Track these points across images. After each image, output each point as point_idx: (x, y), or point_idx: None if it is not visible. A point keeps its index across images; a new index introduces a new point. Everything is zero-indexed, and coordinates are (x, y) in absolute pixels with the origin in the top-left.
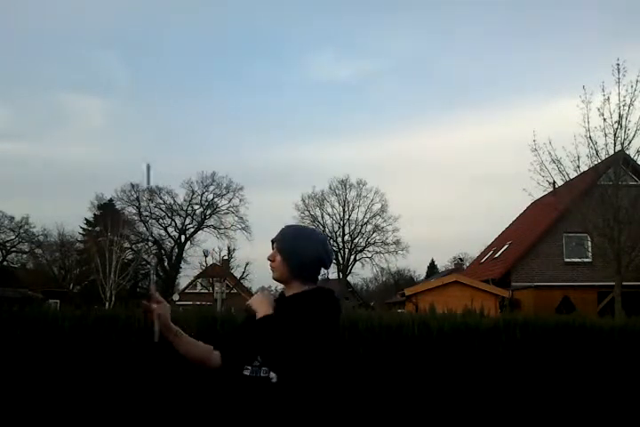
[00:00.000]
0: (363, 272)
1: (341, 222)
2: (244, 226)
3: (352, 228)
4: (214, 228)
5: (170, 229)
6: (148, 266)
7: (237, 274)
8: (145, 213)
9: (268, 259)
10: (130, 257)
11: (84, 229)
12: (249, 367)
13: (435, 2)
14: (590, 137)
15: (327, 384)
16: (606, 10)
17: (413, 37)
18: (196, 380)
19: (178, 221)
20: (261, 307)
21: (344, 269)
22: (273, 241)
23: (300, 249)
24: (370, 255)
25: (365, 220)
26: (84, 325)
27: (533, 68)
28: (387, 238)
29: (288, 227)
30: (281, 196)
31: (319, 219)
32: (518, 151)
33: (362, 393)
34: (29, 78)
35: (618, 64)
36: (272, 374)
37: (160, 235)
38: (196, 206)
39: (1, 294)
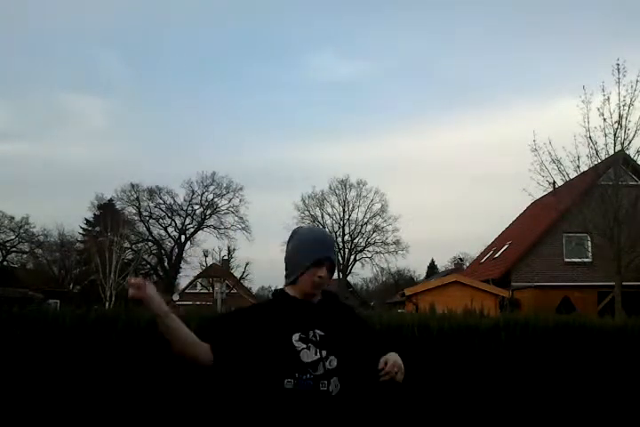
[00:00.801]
0: (363, 272)
1: (341, 222)
2: (243, 226)
3: (352, 228)
4: (214, 228)
5: (170, 229)
6: (148, 266)
7: (237, 274)
8: (145, 213)
9: (325, 277)
10: (130, 257)
11: (84, 229)
12: (291, 380)
13: (435, 2)
14: (590, 137)
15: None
16: (606, 10)
17: (413, 37)
18: (197, 381)
19: (178, 221)
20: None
21: (344, 269)
22: (332, 259)
23: None
24: (370, 255)
25: (365, 220)
26: (84, 325)
27: (533, 68)
28: (387, 238)
29: (329, 238)
30: (281, 196)
31: (319, 219)
32: (518, 151)
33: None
34: (29, 78)
35: (618, 64)
36: (332, 388)
37: (160, 235)
38: (195, 206)
39: (1, 293)
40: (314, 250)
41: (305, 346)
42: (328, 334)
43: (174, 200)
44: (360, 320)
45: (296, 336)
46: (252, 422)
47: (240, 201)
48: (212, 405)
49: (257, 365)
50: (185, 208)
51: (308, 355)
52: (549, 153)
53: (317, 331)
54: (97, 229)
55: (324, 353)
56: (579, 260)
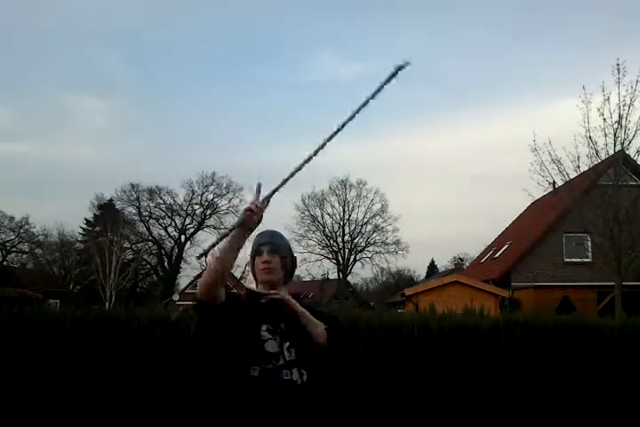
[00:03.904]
0: (363, 272)
1: (341, 222)
2: None
3: (352, 228)
4: (214, 228)
5: (170, 229)
6: (148, 266)
7: (237, 274)
8: (145, 213)
9: (267, 261)
10: (130, 257)
11: (84, 229)
12: (256, 368)
13: (435, 2)
14: (590, 137)
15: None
16: (606, 10)
17: (414, 37)
18: (195, 380)
19: (178, 221)
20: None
21: (344, 269)
22: (269, 243)
23: (291, 251)
24: (370, 255)
25: (365, 220)
26: (84, 325)
27: (534, 68)
28: (387, 238)
29: (269, 230)
30: (281, 196)
31: (319, 219)
32: (518, 151)
33: (362, 393)
34: (30, 79)
35: (618, 64)
36: (295, 377)
37: (160, 235)
38: (196, 206)
39: (1, 293)
40: (254, 245)
41: (271, 337)
42: (289, 327)
43: (174, 200)
44: (323, 317)
45: (264, 327)
46: (220, 409)
47: (240, 201)
48: (210, 403)
49: (227, 351)
50: (185, 208)
51: (273, 346)
52: (549, 153)
53: (282, 325)
54: (97, 229)
55: (286, 345)
56: (579, 260)
